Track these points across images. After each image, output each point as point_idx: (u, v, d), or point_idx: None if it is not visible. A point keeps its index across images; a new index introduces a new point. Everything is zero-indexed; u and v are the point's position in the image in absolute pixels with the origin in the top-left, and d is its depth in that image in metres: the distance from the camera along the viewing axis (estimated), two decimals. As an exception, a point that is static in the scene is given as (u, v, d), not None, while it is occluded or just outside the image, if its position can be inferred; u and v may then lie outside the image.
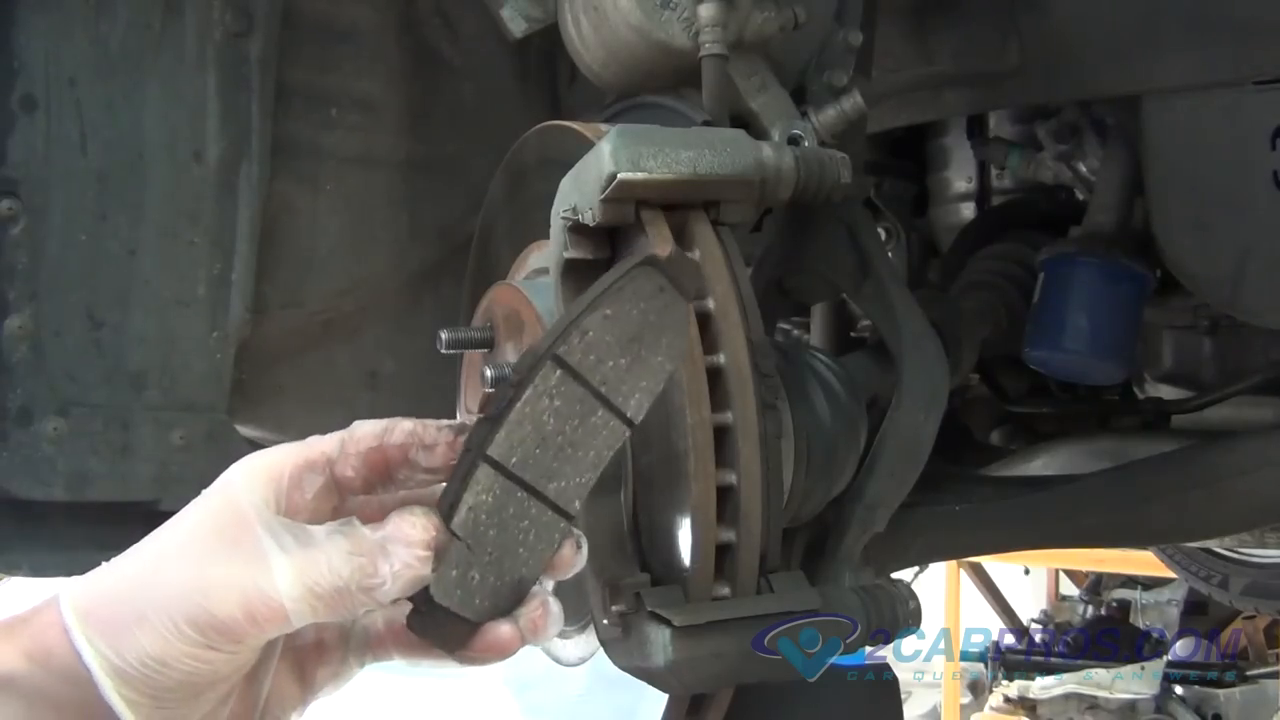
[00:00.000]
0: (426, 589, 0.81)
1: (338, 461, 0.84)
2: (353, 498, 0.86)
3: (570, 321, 0.84)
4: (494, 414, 0.83)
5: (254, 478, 0.81)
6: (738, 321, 1.00)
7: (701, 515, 0.96)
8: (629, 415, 0.86)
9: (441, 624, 0.83)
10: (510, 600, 0.84)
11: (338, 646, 0.90)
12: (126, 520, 1.56)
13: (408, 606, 0.84)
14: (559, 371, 0.83)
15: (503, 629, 0.84)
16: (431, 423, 0.86)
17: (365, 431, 0.85)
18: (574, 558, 0.87)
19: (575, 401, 0.84)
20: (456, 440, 0.84)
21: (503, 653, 0.85)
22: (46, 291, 1.49)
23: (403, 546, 0.79)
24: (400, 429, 0.85)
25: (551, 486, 0.84)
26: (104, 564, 0.81)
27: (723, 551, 0.98)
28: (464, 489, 0.82)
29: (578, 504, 0.85)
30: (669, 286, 0.87)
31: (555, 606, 0.86)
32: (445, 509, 0.82)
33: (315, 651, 0.89)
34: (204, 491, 0.82)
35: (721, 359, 0.98)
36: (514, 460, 0.83)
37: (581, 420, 0.84)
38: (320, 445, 0.84)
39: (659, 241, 0.96)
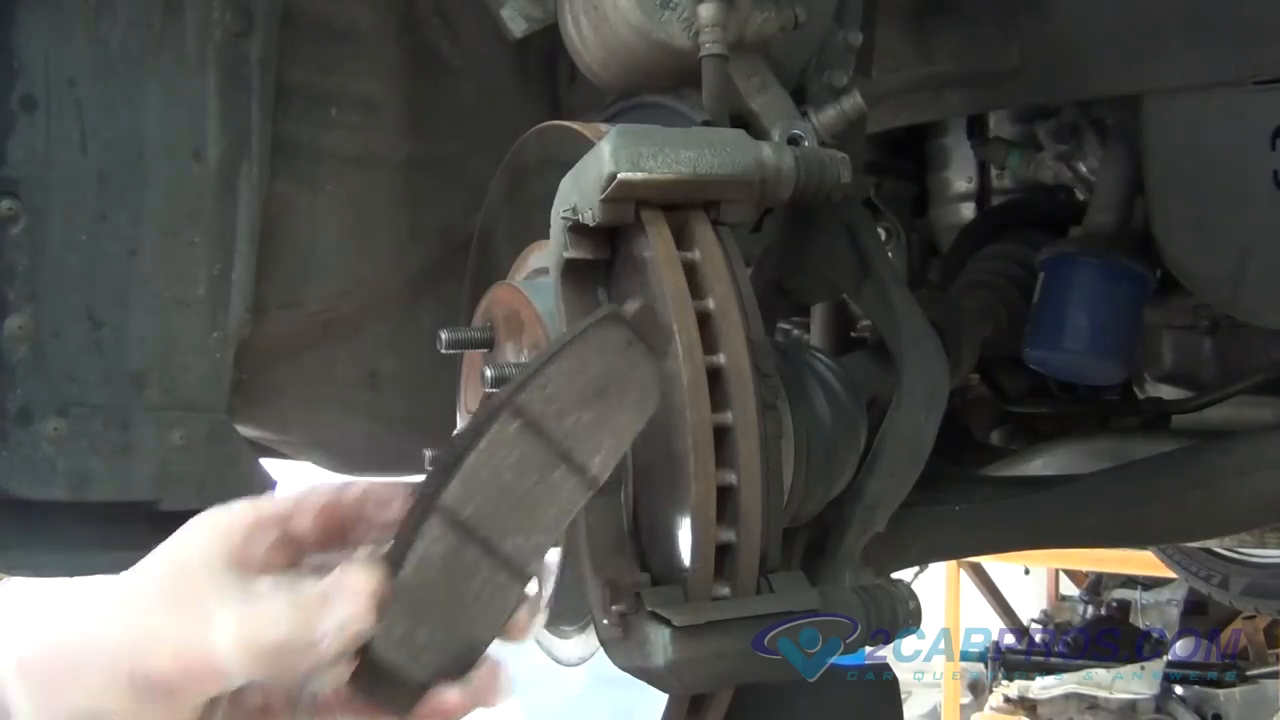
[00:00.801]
0: (370, 645, 0.78)
1: (292, 518, 0.83)
2: (310, 556, 0.84)
3: (532, 372, 0.81)
4: (448, 461, 0.79)
5: (207, 533, 0.80)
6: (738, 321, 1.00)
7: (701, 515, 0.96)
8: (592, 473, 0.82)
9: (386, 684, 0.79)
10: (459, 663, 0.81)
11: (284, 711, 0.86)
12: (127, 520, 1.56)
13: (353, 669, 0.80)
14: (518, 422, 0.80)
15: (449, 695, 0.80)
16: (388, 481, 0.85)
17: (321, 489, 0.84)
18: (529, 623, 0.84)
19: (535, 455, 0.80)
20: (413, 497, 0.82)
21: (449, 718, 0.81)
22: (46, 291, 1.49)
23: (346, 598, 0.76)
24: (355, 487, 0.84)
25: (508, 543, 0.80)
26: (53, 607, 0.79)
27: (723, 551, 0.98)
28: (413, 539, 0.78)
29: (534, 566, 0.81)
30: (636, 341, 0.84)
31: (506, 671, 0.83)
32: (394, 559, 0.79)
33: (261, 717, 0.85)
34: (159, 545, 0.80)
35: (721, 359, 0.98)
36: (468, 512, 0.79)
37: (541, 477, 0.80)
38: (274, 503, 0.83)
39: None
